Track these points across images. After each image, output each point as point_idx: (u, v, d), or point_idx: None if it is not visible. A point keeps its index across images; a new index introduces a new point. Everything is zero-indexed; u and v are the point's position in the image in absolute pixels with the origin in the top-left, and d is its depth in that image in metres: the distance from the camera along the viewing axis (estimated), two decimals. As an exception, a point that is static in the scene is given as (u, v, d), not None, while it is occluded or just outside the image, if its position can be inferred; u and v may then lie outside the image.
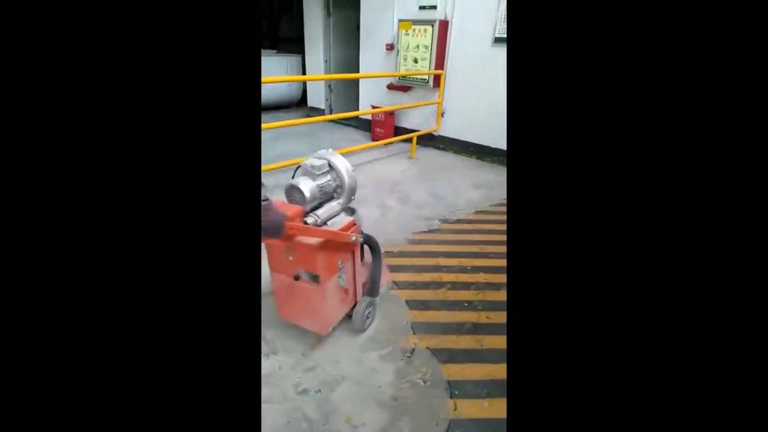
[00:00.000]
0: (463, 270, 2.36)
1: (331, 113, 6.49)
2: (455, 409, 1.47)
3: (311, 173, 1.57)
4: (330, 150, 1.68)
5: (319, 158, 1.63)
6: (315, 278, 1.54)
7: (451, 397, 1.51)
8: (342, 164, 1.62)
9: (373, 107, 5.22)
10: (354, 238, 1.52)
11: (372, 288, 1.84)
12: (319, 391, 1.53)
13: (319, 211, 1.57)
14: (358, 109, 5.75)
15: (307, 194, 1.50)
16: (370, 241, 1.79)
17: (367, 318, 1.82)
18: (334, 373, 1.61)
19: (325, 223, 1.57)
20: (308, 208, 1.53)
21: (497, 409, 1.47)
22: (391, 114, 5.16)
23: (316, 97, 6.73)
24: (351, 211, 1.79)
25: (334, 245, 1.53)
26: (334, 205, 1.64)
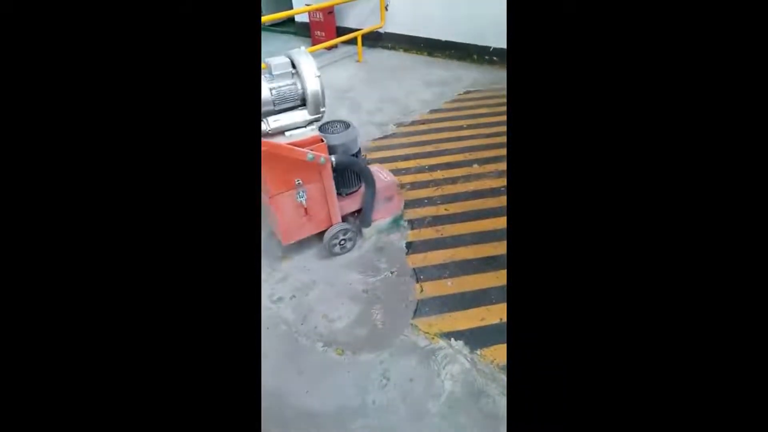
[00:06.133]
0: (420, 170, 2.38)
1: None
2: (422, 291, 1.60)
3: (268, 74, 1.34)
4: (303, 48, 1.41)
5: (284, 56, 1.36)
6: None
7: (417, 282, 1.64)
8: (308, 66, 1.34)
9: (308, 6, 4.59)
10: (312, 157, 1.36)
11: (362, 218, 1.75)
12: (294, 296, 1.61)
13: (271, 119, 1.36)
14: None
15: None
16: (353, 166, 1.58)
17: (340, 245, 1.74)
18: (306, 279, 1.67)
19: (281, 134, 1.40)
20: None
21: (459, 285, 1.62)
22: (330, 12, 4.58)
23: None
24: (344, 126, 1.58)
25: (286, 160, 1.38)
26: (296, 115, 1.41)
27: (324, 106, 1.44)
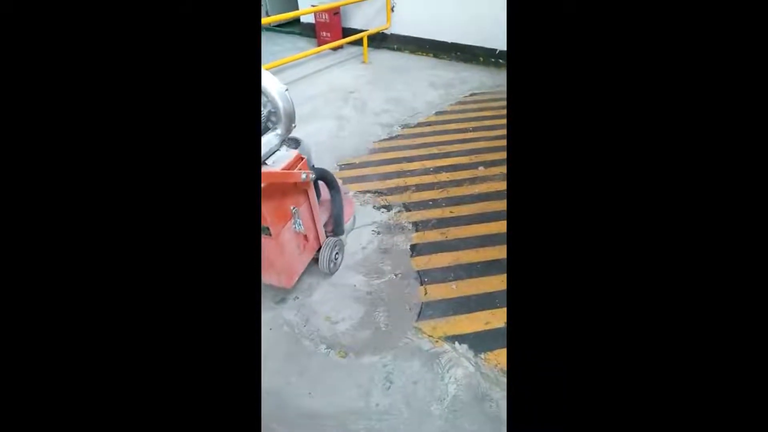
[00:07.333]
0: (425, 172, 2.38)
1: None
2: (426, 294, 1.60)
3: None
4: None
5: None
6: (266, 230, 1.34)
7: (422, 284, 1.64)
8: (271, 84, 1.24)
9: (314, 6, 4.60)
10: (305, 176, 1.30)
11: (336, 226, 1.68)
12: (297, 297, 1.60)
13: None
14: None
15: None
16: (324, 176, 1.56)
17: (336, 259, 1.68)
18: (309, 281, 1.67)
19: (263, 163, 1.27)
20: None
21: (464, 288, 1.61)
22: (336, 13, 4.59)
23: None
24: (295, 143, 1.45)
25: (281, 189, 1.30)
26: (271, 139, 1.29)
27: (294, 121, 1.34)
